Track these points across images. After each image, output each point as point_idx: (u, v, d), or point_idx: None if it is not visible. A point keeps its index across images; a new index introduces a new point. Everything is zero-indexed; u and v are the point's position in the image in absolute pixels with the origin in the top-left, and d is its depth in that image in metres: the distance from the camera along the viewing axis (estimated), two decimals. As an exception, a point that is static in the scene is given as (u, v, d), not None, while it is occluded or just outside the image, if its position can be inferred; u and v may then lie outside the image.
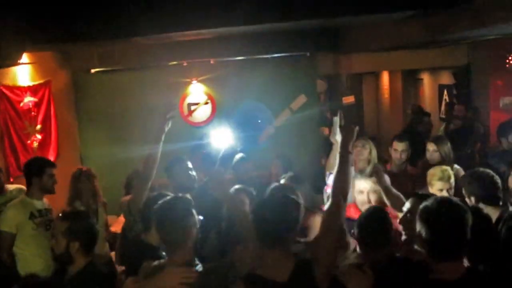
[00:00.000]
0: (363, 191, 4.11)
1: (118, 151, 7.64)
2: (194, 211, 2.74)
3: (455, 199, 2.51)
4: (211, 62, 8.39)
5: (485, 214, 3.14)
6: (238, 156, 5.29)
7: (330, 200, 2.76)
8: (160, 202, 2.79)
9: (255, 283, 2.51)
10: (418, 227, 2.43)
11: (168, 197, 2.87)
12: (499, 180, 3.82)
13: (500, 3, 4.51)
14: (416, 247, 2.76)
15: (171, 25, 4.63)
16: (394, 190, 3.89)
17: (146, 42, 6.23)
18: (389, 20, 6.02)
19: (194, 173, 4.58)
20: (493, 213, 3.52)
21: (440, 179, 4.24)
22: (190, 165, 4.60)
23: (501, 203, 3.75)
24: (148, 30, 4.72)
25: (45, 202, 4.70)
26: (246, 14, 4.63)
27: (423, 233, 2.39)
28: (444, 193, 4.14)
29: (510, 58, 8.35)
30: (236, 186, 3.77)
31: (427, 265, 2.41)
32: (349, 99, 13.05)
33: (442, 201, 2.43)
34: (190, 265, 2.66)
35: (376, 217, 3.08)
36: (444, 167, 4.44)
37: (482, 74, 8.99)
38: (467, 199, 3.81)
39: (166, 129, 3.92)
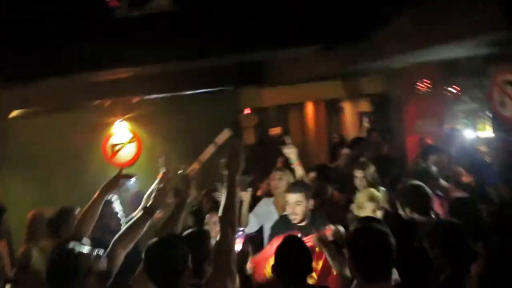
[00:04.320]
0: None
1: (42, 195, 7.52)
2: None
3: (380, 224, 2.56)
4: (134, 100, 8.30)
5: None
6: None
7: (219, 237, 2.74)
8: None
9: None
10: (347, 252, 2.51)
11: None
12: (429, 191, 4.04)
13: (396, 37, 4.86)
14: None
15: (83, 66, 4.56)
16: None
17: (64, 83, 6.07)
18: (304, 53, 6.25)
19: (121, 215, 4.46)
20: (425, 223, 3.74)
21: (371, 200, 4.34)
22: (118, 207, 4.46)
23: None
24: (61, 71, 4.61)
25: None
26: (163, 52, 4.66)
27: (352, 257, 2.48)
28: (378, 214, 4.25)
29: (421, 84, 8.83)
30: None
31: None
32: (275, 131, 13.25)
33: (368, 226, 2.50)
34: None
35: (292, 248, 3.01)
36: (372, 189, 4.61)
37: (397, 100, 9.39)
38: (401, 211, 3.99)
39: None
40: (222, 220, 2.76)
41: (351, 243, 2.49)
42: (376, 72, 8.61)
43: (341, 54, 5.87)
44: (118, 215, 4.42)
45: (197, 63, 6.15)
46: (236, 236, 2.78)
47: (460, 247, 2.94)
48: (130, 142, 8.52)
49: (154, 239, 2.62)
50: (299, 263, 2.89)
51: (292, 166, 5.15)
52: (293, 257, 2.90)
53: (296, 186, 4.45)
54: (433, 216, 3.94)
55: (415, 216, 3.88)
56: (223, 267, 2.60)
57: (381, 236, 2.43)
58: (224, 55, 5.17)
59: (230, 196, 2.78)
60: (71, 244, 2.74)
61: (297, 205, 4.21)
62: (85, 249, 2.75)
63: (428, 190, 4.02)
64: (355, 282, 2.51)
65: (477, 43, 4.75)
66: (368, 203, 4.32)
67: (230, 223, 2.73)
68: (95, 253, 2.75)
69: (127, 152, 8.52)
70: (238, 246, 3.58)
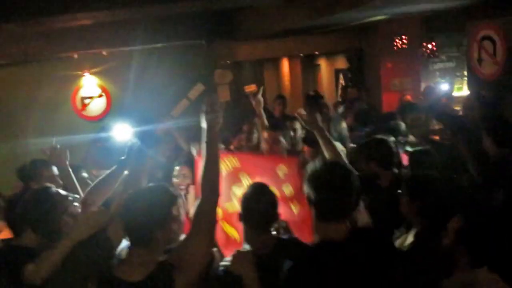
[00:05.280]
0: None
1: (10, 147, 7.43)
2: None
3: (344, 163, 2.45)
4: (104, 53, 8.06)
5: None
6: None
7: (200, 197, 2.50)
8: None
9: (108, 283, 2.29)
10: (306, 189, 2.37)
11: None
12: (394, 146, 4.02)
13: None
14: None
15: (44, 10, 4.26)
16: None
17: (22, 31, 5.76)
18: (273, 3, 6.05)
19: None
20: (387, 177, 3.81)
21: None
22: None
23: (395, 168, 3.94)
24: (20, 15, 4.32)
25: None
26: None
27: (311, 196, 2.35)
28: None
29: (397, 41, 8.73)
30: None
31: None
32: (251, 88, 13.15)
33: (329, 164, 2.41)
34: None
35: (259, 195, 2.79)
36: (338, 143, 4.52)
37: (373, 58, 9.31)
38: (364, 166, 3.93)
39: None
40: (203, 179, 2.52)
41: (309, 180, 2.37)
42: (351, 27, 8.48)
43: (312, 5, 5.67)
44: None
45: (166, 9, 5.88)
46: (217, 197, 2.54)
47: (437, 201, 2.87)
48: (99, 96, 8.34)
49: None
50: (265, 211, 2.71)
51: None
52: (259, 205, 2.71)
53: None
54: (396, 170, 3.92)
55: (378, 170, 3.86)
56: (201, 229, 2.39)
57: (340, 177, 2.33)
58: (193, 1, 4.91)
59: (211, 154, 2.55)
60: (46, 186, 2.78)
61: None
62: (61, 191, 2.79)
63: (392, 144, 4.00)
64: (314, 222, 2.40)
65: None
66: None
67: (211, 182, 2.51)
68: (70, 196, 2.79)
69: (97, 106, 8.36)
70: None
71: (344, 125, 5.26)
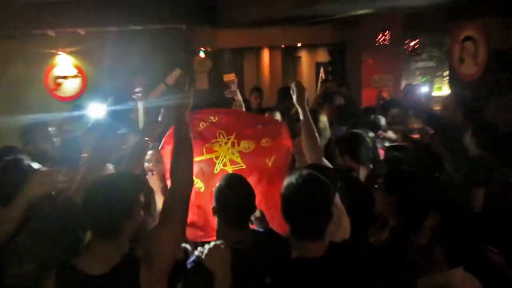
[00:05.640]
0: None
1: None
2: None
3: (318, 175, 2.32)
4: (81, 32, 7.87)
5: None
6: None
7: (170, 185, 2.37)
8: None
9: (67, 276, 2.11)
10: (281, 204, 2.27)
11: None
12: (369, 140, 4.02)
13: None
14: None
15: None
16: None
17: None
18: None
19: (56, 140, 4.18)
20: (362, 172, 3.83)
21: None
22: (52, 131, 4.21)
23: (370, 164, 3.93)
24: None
25: None
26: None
27: (284, 212, 2.27)
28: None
29: (380, 36, 8.70)
30: None
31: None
32: (230, 77, 12.98)
33: (306, 181, 2.24)
34: None
35: (235, 188, 2.60)
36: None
37: (355, 52, 9.28)
38: (339, 160, 3.94)
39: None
40: (173, 165, 2.37)
41: (285, 196, 2.26)
42: (334, 20, 8.43)
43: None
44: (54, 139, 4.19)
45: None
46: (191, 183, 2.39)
47: (414, 197, 2.81)
48: (74, 77, 8.18)
49: None
50: (242, 205, 2.56)
51: None
52: (235, 198, 2.53)
53: None
54: (370, 166, 3.90)
55: (353, 164, 3.86)
56: (171, 219, 2.23)
57: (317, 198, 2.21)
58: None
59: (181, 137, 2.42)
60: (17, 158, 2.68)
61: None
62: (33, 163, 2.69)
63: (368, 139, 3.99)
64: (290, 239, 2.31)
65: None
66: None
67: (183, 169, 2.34)
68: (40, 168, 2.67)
69: (71, 87, 8.19)
70: None
71: (323, 118, 5.19)
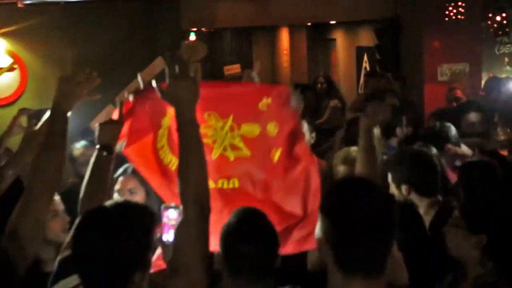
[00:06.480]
0: None
1: None
2: None
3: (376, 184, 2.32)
4: (18, 5, 7.94)
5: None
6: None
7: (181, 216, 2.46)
8: None
9: None
10: (322, 226, 2.20)
11: None
12: (437, 163, 4.06)
13: None
14: None
15: None
16: None
17: None
18: None
19: None
20: (429, 206, 3.87)
21: (344, 161, 4.44)
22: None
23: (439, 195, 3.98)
24: None
25: None
26: None
27: (329, 234, 2.18)
28: None
29: (450, 10, 8.64)
30: None
31: None
32: (233, 69, 13.02)
33: (358, 190, 2.20)
34: None
35: (251, 230, 2.68)
36: (353, 148, 4.44)
37: (413, 33, 9.26)
38: (394, 190, 3.98)
39: None
40: (181, 185, 2.47)
41: (326, 216, 2.19)
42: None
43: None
44: None
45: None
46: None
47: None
48: (9, 69, 8.28)
49: None
50: (261, 256, 2.60)
51: None
52: (251, 246, 2.59)
53: None
54: (439, 198, 3.95)
55: (415, 197, 3.90)
56: (189, 266, 2.33)
57: (376, 212, 2.14)
58: None
59: (188, 143, 2.58)
60: None
61: None
62: None
63: (435, 160, 4.05)
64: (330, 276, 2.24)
65: None
66: (341, 166, 4.47)
67: (195, 189, 2.46)
68: None
69: (6, 83, 8.34)
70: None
71: (376, 130, 5.23)
